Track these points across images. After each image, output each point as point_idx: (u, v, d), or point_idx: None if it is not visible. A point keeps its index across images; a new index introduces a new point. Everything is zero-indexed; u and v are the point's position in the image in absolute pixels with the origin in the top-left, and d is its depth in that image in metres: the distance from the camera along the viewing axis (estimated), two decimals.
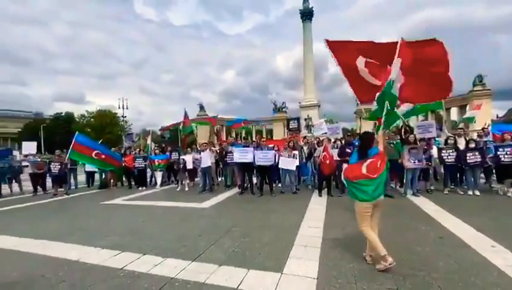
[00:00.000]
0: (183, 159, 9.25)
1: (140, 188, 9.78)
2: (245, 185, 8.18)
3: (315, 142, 8.86)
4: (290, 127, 12.58)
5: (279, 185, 8.57)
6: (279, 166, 7.76)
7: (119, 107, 36.44)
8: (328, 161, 6.91)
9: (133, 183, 10.43)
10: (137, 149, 11.87)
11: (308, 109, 32.02)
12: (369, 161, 3.04)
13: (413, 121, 10.56)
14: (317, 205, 6.12)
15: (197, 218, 5.52)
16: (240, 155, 7.73)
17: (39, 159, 9.95)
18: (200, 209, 6.26)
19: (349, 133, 10.25)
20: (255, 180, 8.37)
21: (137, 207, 6.87)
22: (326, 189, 7.26)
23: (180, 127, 12.52)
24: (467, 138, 7.65)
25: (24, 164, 10.90)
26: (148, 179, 10.71)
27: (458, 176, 7.37)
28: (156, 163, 10.09)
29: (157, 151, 11.00)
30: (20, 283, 2.93)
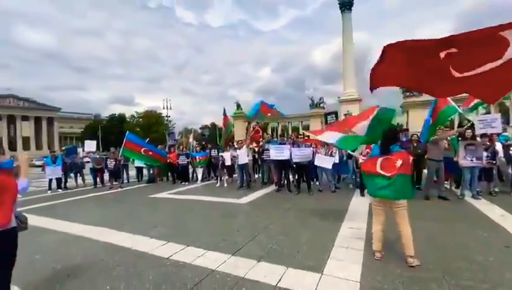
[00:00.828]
0: (222, 156, 9.57)
1: (183, 183, 10.39)
2: (282, 182, 8.14)
3: None
4: (328, 121, 11.93)
5: (317, 183, 8.35)
6: (315, 163, 7.55)
7: (163, 108, 39.00)
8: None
9: (176, 178, 11.13)
10: (181, 147, 12.60)
11: (349, 103, 30.43)
12: (386, 157, 3.03)
13: (472, 115, 9.28)
14: (359, 205, 5.81)
15: (235, 213, 5.67)
16: (276, 152, 7.70)
17: (98, 156, 11.19)
18: (238, 205, 6.41)
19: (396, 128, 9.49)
20: (291, 177, 8.29)
21: (180, 201, 7.31)
22: None
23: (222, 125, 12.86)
24: None
25: (86, 160, 12.39)
26: (190, 175, 11.30)
27: None
28: (197, 160, 10.62)
29: (197, 148, 11.55)
30: (84, 265, 3.33)
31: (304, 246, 3.59)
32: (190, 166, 11.17)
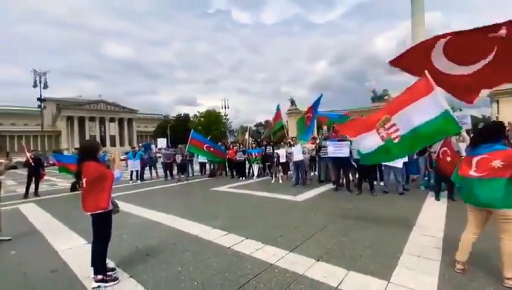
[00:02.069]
0: (277, 153, 9.65)
1: (240, 178, 10.89)
2: (340, 181, 7.75)
3: None
4: None
5: (381, 183, 7.67)
6: (381, 162, 6.92)
7: (222, 107, 41.49)
8: (449, 159, 5.62)
9: (234, 173, 11.71)
10: (238, 143, 13.19)
11: None
12: (481, 156, 2.52)
13: None
14: (434, 211, 5.12)
15: (291, 210, 5.65)
16: (335, 149, 7.36)
17: (168, 152, 12.59)
18: (294, 202, 6.38)
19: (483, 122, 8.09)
20: (351, 176, 7.81)
21: (239, 195, 7.67)
22: (446, 192, 5.98)
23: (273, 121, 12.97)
24: None
25: (158, 155, 14.08)
26: (247, 171, 11.75)
27: None
28: (253, 156, 10.96)
29: (253, 145, 11.92)
30: (160, 246, 3.81)
31: (368, 250, 3.36)
32: (247, 162, 11.62)
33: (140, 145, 16.02)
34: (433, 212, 4.99)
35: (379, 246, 3.48)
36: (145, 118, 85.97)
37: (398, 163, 6.56)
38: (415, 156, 7.08)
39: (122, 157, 14.96)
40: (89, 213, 2.79)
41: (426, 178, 7.34)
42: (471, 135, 3.47)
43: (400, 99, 3.99)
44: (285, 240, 3.79)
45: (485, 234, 2.76)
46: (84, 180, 2.75)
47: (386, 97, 38.54)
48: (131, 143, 63.91)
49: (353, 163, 7.29)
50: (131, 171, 11.69)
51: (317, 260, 3.11)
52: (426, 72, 3.58)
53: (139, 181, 11.52)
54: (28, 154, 8.69)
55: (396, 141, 3.83)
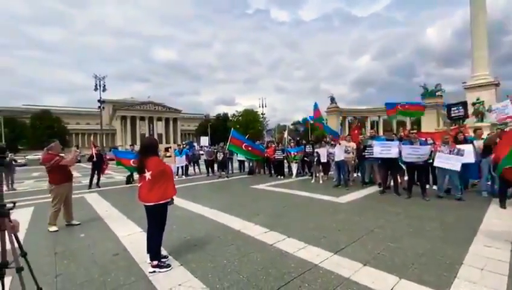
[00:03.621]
0: (317, 152, 9.43)
1: (278, 177, 10.90)
2: (387, 184, 7.27)
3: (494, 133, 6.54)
4: (453, 115, 9.45)
5: (434, 187, 7.00)
6: (435, 164, 6.33)
7: (259, 106, 41.79)
8: None
9: (272, 172, 11.77)
10: (277, 142, 13.22)
11: (479, 89, 23.58)
12: None
13: None
14: (499, 220, 4.52)
15: (334, 212, 5.49)
16: (382, 149, 6.91)
17: (210, 149, 13.20)
18: (337, 204, 6.17)
19: None
20: (400, 179, 7.28)
21: (278, 193, 7.69)
22: None
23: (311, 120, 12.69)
24: None
25: (200, 152, 14.84)
26: (286, 170, 11.71)
27: None
28: (292, 155, 10.87)
29: (292, 144, 11.82)
30: (206, 239, 4.03)
31: (422, 258, 3.11)
32: (285, 161, 11.58)
33: (184, 143, 17.04)
34: (499, 222, 4.40)
35: (434, 255, 3.20)
36: (188, 117, 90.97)
37: (455, 166, 5.91)
38: (477, 158, 6.30)
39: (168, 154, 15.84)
40: (151, 204, 3.08)
41: (489, 183, 6.49)
42: None
43: None
44: (329, 242, 3.71)
45: None
46: (149, 173, 3.06)
47: (438, 93, 34.81)
48: (176, 141, 68.28)
49: (402, 165, 6.80)
50: (177, 167, 12.52)
51: (364, 265, 2.99)
52: None
53: (184, 177, 12.29)
54: (94, 150, 9.89)
55: None
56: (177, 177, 12.05)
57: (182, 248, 3.70)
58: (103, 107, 32.08)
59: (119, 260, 3.41)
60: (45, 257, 3.62)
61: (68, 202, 5.05)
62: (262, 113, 46.99)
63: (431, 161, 6.37)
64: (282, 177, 10.92)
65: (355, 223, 4.63)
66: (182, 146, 14.02)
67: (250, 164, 12.95)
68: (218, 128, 61.02)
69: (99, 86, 29.91)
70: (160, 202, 3.10)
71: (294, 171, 11.05)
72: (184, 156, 12.37)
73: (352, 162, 8.62)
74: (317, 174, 9.69)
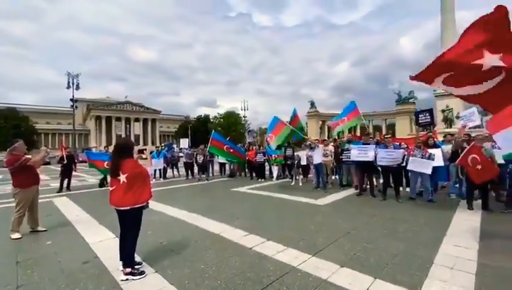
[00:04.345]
0: (298, 155, 9.55)
1: (259, 180, 10.89)
2: (364, 186, 7.51)
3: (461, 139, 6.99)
4: (420, 121, 10.10)
5: (407, 189, 7.33)
6: (408, 168, 6.63)
7: (241, 109, 41.86)
8: (479, 166, 5.20)
9: (254, 174, 11.74)
10: (258, 145, 13.21)
11: (448, 97, 25.19)
12: None
13: None
14: (466, 221, 4.81)
15: (312, 214, 5.55)
16: (359, 153, 7.14)
17: (190, 152, 12.91)
18: (315, 206, 6.26)
19: None
20: (375, 181, 7.55)
21: (258, 196, 7.67)
22: (480, 201, 5.60)
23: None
24: None
25: (180, 154, 14.48)
26: (267, 172, 11.72)
27: None
28: (273, 158, 10.90)
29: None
30: (183, 244, 3.90)
31: (396, 259, 3.22)
32: (266, 164, 11.60)
33: (163, 145, 16.57)
34: (466, 222, 4.68)
35: (407, 255, 3.33)
36: (167, 118, 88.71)
37: (426, 169, 6.23)
38: (446, 162, 6.68)
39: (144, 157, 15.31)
40: (126, 208, 2.92)
41: (457, 185, 6.91)
42: None
43: None
44: (307, 244, 3.74)
45: None
46: (124, 176, 2.90)
47: (412, 100, 36.89)
48: (155, 142, 66.30)
49: (378, 168, 7.05)
50: (155, 170, 12.11)
51: (342, 266, 3.03)
52: None
53: (162, 179, 11.91)
54: (64, 151, 9.31)
55: None
56: (154, 180, 11.65)
57: (158, 254, 3.56)
58: (76, 106, 30.49)
59: (89, 268, 3.20)
60: (5, 266, 3.32)
61: (34, 206, 4.67)
62: (244, 116, 47.11)
63: (404, 164, 6.66)
64: (263, 179, 10.92)
65: (333, 224, 4.72)
66: (160, 148, 13.62)
67: (231, 167, 12.83)
68: (198, 130, 60.08)
69: (72, 84, 28.44)
70: (136, 206, 2.95)
71: (275, 173, 11.09)
72: (162, 159, 11.99)
73: (331, 165, 8.83)
74: (297, 177, 9.81)
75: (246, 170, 12.53)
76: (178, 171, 13.29)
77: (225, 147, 11.50)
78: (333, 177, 9.68)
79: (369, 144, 7.42)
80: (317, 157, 8.33)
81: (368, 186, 7.37)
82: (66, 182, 9.35)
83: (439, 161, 6.34)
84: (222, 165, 13.40)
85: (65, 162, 9.21)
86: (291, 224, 4.80)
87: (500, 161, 5.56)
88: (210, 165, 12.84)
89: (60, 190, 9.07)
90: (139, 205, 2.97)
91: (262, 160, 11.22)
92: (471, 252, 3.37)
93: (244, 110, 43.26)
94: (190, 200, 7.40)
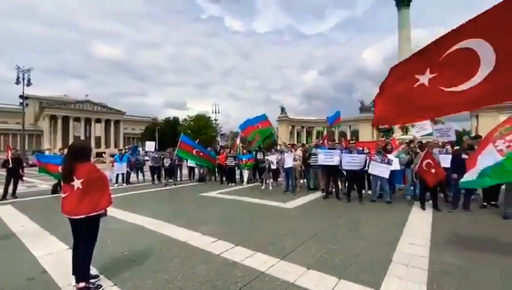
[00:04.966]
0: (268, 159, 9.65)
1: (230, 184, 10.78)
2: (330, 189, 7.82)
3: (416, 146, 7.67)
4: (380, 127, 10.98)
5: (369, 192, 7.80)
6: (369, 171, 7.06)
7: (212, 112, 41.34)
8: (433, 170, 5.80)
9: (224, 179, 11.59)
10: (229, 149, 13.07)
11: None
12: None
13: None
14: (420, 220, 5.23)
15: (282, 217, 5.63)
16: (326, 157, 7.43)
17: (156, 155, 12.33)
18: (285, 210, 6.36)
19: (469, 136, 8.44)
20: (341, 185, 7.91)
21: (228, 201, 7.57)
22: (432, 202, 6.14)
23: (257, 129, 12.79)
24: None
25: (146, 158, 13.77)
26: (238, 176, 11.65)
27: None
28: (244, 162, 10.90)
29: (244, 151, 11.86)
30: (146, 253, 3.68)
31: (358, 258, 3.37)
32: (237, 168, 11.53)
33: (127, 147, 15.64)
34: (420, 222, 5.09)
35: (368, 254, 3.51)
36: (132, 120, 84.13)
37: (385, 173, 6.70)
38: (402, 167, 7.25)
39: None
40: (80, 216, 2.65)
41: (412, 188, 7.52)
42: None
43: None
44: (276, 248, 3.75)
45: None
46: (79, 181, 2.63)
47: (373, 108, 39.73)
48: (118, 145, 62.26)
49: (343, 171, 7.38)
50: (117, 174, 11.36)
51: (308, 269, 3.09)
52: None
53: (124, 184, 11.19)
54: (9, 154, 8.29)
55: None
56: (116, 185, 10.92)
57: (118, 265, 3.30)
58: (26, 104, 27.56)
59: (35, 285, 2.86)
60: None
61: None
62: (215, 119, 46.54)
63: (366, 168, 7.07)
64: (233, 184, 10.83)
65: (301, 227, 4.81)
66: (124, 151, 12.83)
67: (201, 171, 12.53)
68: (167, 132, 57.88)
69: (23, 79, 25.66)
70: (92, 215, 2.70)
71: (246, 178, 11.09)
72: (125, 162, 11.29)
73: (299, 168, 9.07)
74: (268, 181, 9.90)
75: (216, 174, 12.33)
76: (143, 175, 12.60)
77: (194, 150, 11.21)
78: (301, 181, 9.95)
79: (335, 148, 7.76)
80: (289, 162, 8.49)
81: (334, 189, 7.69)
82: (11, 188, 8.34)
83: (396, 166, 6.86)
84: (191, 169, 13.02)
85: (10, 165, 8.23)
86: (260, 228, 4.80)
87: (445, 164, 6.20)
88: (178, 169, 12.41)
89: (4, 197, 8.06)
90: (95, 213, 2.72)
91: (233, 164, 11.14)
92: (424, 249, 3.66)
93: (216, 113, 42.83)
94: (155, 207, 7.05)
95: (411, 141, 8.46)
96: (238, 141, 13.08)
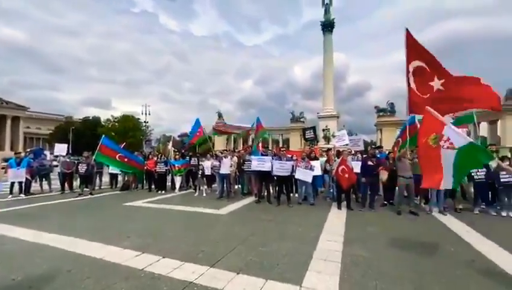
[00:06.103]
0: (202, 165, 9.43)
1: (159, 192, 10.03)
2: (262, 194, 8.15)
3: (333, 153, 8.77)
4: (306, 136, 12.11)
5: (296, 195, 8.46)
6: (296, 177, 7.69)
7: (142, 113, 37.98)
8: (347, 175, 6.73)
9: (153, 186, 10.72)
10: (159, 154, 12.17)
11: (327, 119, 31.56)
12: None
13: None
14: (336, 218, 5.96)
15: (214, 224, 5.57)
16: (258, 163, 7.75)
17: (68, 160, 10.51)
18: (218, 216, 6.30)
19: (373, 146, 10.13)
20: (272, 189, 8.34)
21: (157, 210, 7.04)
22: (346, 202, 7.07)
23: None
24: (499, 156, 7.20)
25: (54, 163, 11.60)
26: (169, 183, 10.94)
27: (490, 195, 6.89)
28: (177, 168, 10.31)
29: (177, 156, 11.26)
30: (48, 276, 3.07)
31: (284, 258, 3.60)
32: (168, 174, 10.85)
33: (28, 150, 12.88)
34: (336, 220, 5.79)
35: (294, 254, 3.78)
36: (38, 117, 70.25)
37: (308, 178, 7.41)
38: (319, 172, 8.13)
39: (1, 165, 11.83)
40: None
41: (331, 190, 8.52)
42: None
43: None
44: (206, 256, 3.67)
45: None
46: None
47: (302, 119, 43.45)
48: (15, 147, 50.54)
49: (274, 177, 7.81)
50: (12, 183, 9.21)
51: (238, 273, 3.12)
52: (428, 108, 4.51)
53: (23, 195, 9.11)
54: None
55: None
56: (10, 197, 8.84)
57: None
58: None
59: None
60: None
61: None
62: (145, 121, 42.82)
63: (293, 174, 7.67)
64: (163, 191, 10.12)
65: (233, 233, 4.85)
66: (24, 154, 10.51)
67: (125, 178, 11.29)
68: (84, 134, 50.28)
69: None
70: None
71: (178, 184, 10.50)
72: (25, 169, 9.25)
73: (233, 174, 9.17)
74: (201, 187, 9.64)
75: (144, 182, 11.31)
76: (49, 184, 10.52)
77: (118, 155, 10.09)
78: (236, 187, 10.07)
79: (267, 155, 8.17)
80: (226, 168, 8.47)
81: (266, 193, 8.06)
82: None
83: (318, 171, 7.67)
84: (113, 176, 11.60)
85: None
86: (191, 237, 4.62)
87: (357, 170, 7.27)
88: (97, 177, 10.91)
89: None
90: None
91: (164, 170, 10.42)
92: (338, 244, 4.17)
93: (146, 114, 39.41)
94: (65, 220, 5.97)
95: (329, 149, 9.66)
96: (170, 145, 12.36)
